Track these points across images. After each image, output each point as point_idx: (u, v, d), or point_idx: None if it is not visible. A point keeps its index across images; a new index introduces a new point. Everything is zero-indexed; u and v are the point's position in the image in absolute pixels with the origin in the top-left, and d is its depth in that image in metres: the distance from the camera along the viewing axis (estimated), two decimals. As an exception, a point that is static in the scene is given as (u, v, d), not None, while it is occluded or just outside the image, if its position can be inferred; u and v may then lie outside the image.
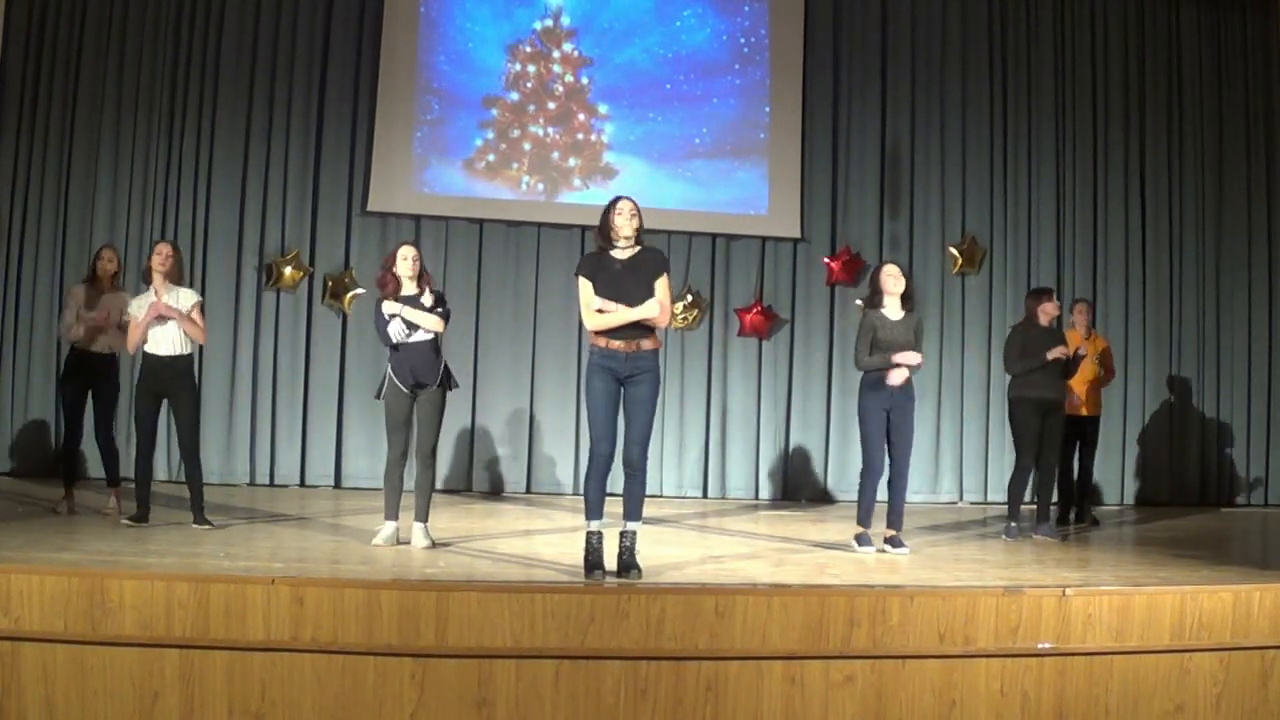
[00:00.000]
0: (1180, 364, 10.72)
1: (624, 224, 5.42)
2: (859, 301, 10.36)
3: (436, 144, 9.95)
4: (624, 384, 5.39)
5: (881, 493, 6.69)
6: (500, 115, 10.01)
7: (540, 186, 10.03)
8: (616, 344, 5.36)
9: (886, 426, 6.59)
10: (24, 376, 9.28)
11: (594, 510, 5.39)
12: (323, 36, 9.82)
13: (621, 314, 5.34)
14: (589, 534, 5.39)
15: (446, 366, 6.35)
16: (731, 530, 7.78)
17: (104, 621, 4.59)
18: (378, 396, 6.41)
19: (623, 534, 5.40)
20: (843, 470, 10.22)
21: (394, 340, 6.19)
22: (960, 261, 10.44)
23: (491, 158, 9.99)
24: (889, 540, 6.61)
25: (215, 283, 9.59)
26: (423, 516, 6.24)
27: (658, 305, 5.38)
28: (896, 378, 6.56)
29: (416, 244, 9.71)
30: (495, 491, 9.76)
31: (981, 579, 5.64)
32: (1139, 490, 10.58)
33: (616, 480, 5.52)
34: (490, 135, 10.00)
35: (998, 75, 10.67)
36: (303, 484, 9.49)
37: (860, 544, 6.61)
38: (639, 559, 5.36)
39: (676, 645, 4.75)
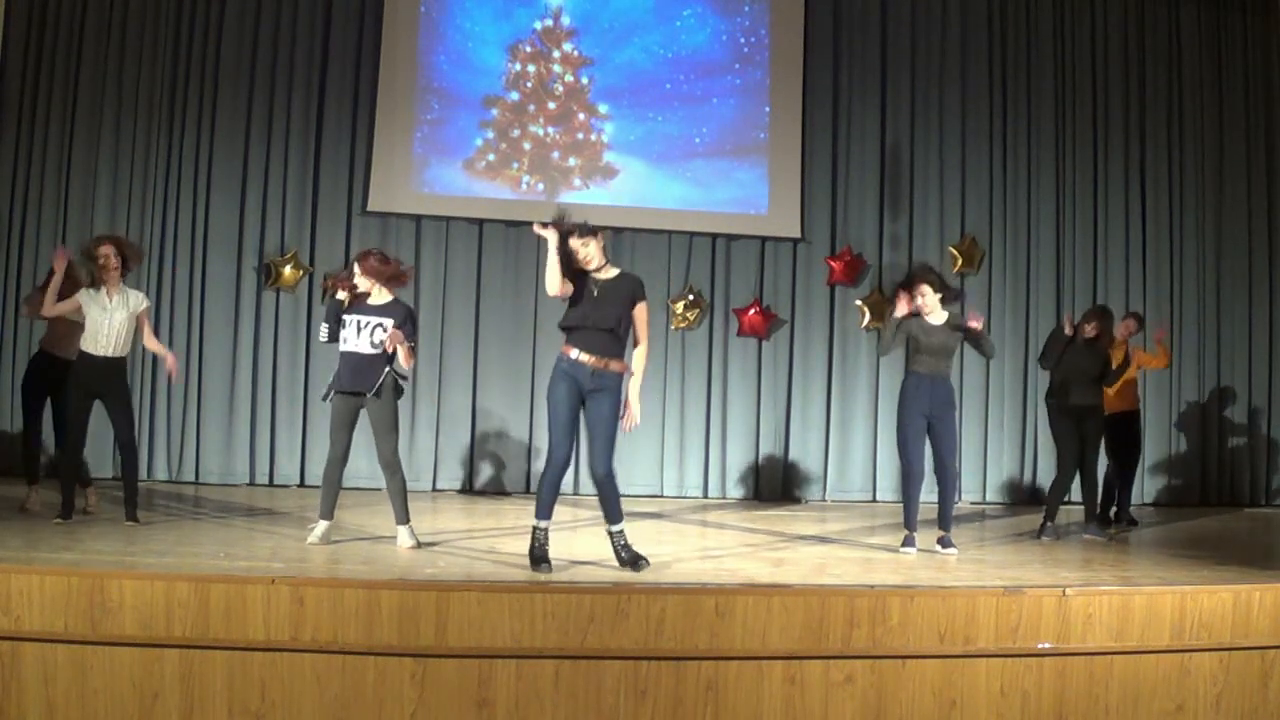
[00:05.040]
0: (1180, 364, 10.70)
1: (587, 256, 5.57)
2: (859, 301, 10.39)
3: (436, 144, 9.94)
4: (585, 397, 5.53)
5: (930, 495, 6.85)
6: (500, 115, 10.01)
7: (540, 186, 10.03)
8: (586, 358, 5.51)
9: (928, 433, 6.70)
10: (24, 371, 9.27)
11: (543, 510, 5.57)
12: (323, 36, 9.81)
13: (551, 237, 5.49)
14: (535, 530, 5.55)
15: (393, 374, 6.23)
16: (731, 529, 7.78)
17: (104, 621, 4.59)
18: (324, 398, 6.36)
19: (612, 535, 5.60)
20: (842, 470, 10.23)
21: (324, 338, 6.28)
22: (960, 262, 10.44)
23: (491, 157, 9.99)
24: (939, 541, 6.69)
25: (215, 283, 9.59)
26: (403, 519, 6.22)
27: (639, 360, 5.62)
28: (901, 309, 6.75)
29: (416, 244, 9.89)
30: (495, 491, 9.76)
31: (981, 579, 5.64)
32: (1143, 489, 10.58)
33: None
34: (490, 135, 10.00)
35: (998, 75, 10.66)
36: (303, 484, 9.48)
37: (904, 545, 6.68)
38: (637, 549, 5.60)
39: (676, 645, 4.75)
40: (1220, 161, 10.92)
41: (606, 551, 5.71)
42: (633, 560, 5.54)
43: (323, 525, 6.19)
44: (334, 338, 6.23)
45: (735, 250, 10.28)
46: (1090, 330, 7.79)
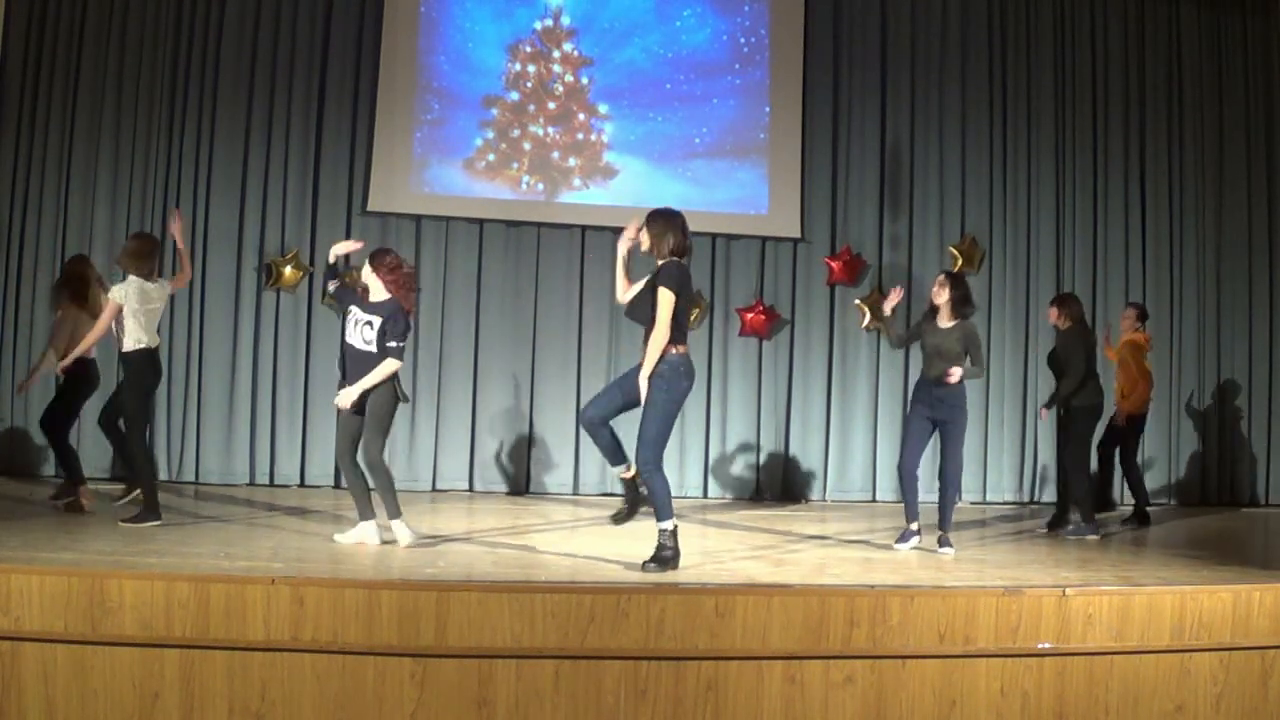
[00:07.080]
0: (1181, 364, 10.71)
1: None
2: (859, 301, 10.39)
3: (436, 144, 9.94)
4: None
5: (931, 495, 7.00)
6: (500, 115, 10.01)
7: (540, 186, 10.03)
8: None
9: (932, 433, 6.83)
10: (25, 376, 9.26)
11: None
12: (323, 36, 9.80)
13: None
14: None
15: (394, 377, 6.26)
16: (731, 529, 7.78)
17: (104, 621, 4.59)
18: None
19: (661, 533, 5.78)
20: (842, 470, 10.23)
21: (329, 285, 6.58)
22: (960, 261, 10.43)
23: (491, 157, 9.99)
24: (938, 541, 6.76)
25: (215, 283, 9.58)
26: (395, 514, 6.19)
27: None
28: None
29: (416, 244, 9.88)
30: (495, 491, 9.75)
31: (981, 579, 5.64)
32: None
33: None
34: (490, 135, 10.00)
35: (998, 75, 10.66)
36: (303, 484, 9.48)
37: (899, 540, 6.80)
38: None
39: (676, 645, 4.75)
40: (1220, 161, 10.91)
41: (607, 551, 5.71)
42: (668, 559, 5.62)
43: (366, 525, 6.24)
44: (329, 292, 6.59)
45: (735, 250, 10.27)
46: (1056, 317, 7.86)
